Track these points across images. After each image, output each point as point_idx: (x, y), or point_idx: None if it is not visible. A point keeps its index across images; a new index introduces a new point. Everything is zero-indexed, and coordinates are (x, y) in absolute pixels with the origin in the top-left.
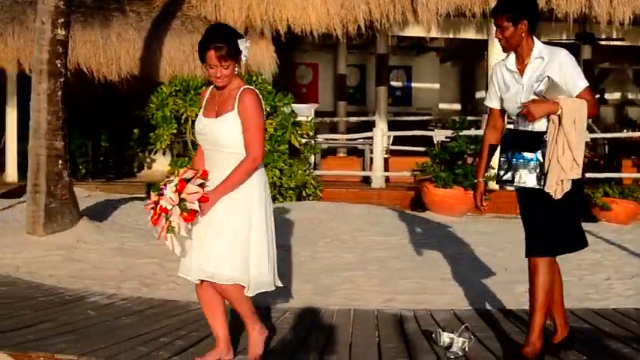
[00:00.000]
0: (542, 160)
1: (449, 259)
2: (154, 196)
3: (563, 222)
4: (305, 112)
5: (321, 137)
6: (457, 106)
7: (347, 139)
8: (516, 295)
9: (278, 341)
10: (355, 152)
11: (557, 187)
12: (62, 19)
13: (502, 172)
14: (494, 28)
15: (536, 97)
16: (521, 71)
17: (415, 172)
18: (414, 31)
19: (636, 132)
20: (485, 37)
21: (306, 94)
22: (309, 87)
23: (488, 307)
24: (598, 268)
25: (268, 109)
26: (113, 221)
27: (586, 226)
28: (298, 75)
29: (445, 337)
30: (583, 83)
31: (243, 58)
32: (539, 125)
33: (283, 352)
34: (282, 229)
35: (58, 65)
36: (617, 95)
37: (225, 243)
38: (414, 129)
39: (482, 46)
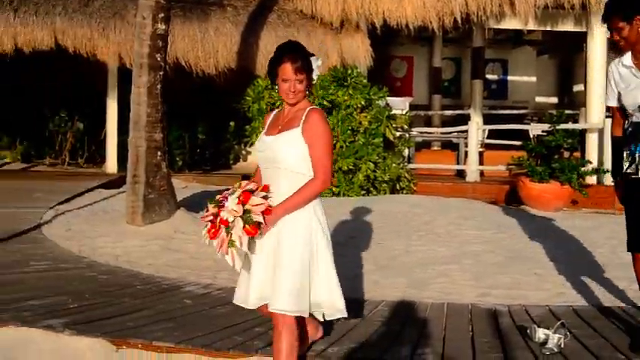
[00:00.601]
0: None
1: (545, 255)
2: (212, 208)
3: None
4: (399, 105)
5: (415, 130)
6: (554, 100)
7: (441, 133)
8: (614, 292)
9: (371, 334)
10: (449, 146)
11: None
12: (162, 14)
13: (626, 165)
14: (594, 20)
15: None
16: (639, 66)
17: (511, 166)
18: (510, 23)
19: None
20: (584, 30)
21: (400, 88)
22: (403, 80)
23: (584, 303)
24: None
25: (363, 103)
26: None
27: None
28: (393, 68)
29: (540, 333)
30: None
31: (315, 77)
32: None
33: (377, 344)
34: (376, 222)
35: (158, 59)
36: None
37: (295, 278)
38: (510, 122)
39: (580, 39)
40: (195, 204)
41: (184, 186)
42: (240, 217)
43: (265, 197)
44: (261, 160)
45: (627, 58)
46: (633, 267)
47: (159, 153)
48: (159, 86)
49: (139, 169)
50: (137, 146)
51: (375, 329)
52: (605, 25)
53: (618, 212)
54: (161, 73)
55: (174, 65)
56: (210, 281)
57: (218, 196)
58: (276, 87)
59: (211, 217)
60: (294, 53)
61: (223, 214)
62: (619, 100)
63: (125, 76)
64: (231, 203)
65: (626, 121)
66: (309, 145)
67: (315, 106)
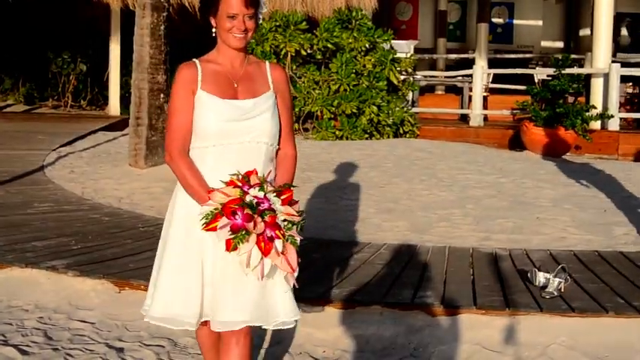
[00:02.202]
0: None
1: (546, 199)
2: (240, 216)
3: None
4: (404, 48)
5: (419, 74)
6: (560, 44)
7: (446, 77)
8: (614, 237)
9: (372, 276)
10: (454, 90)
11: None
12: None
13: None
14: None
15: None
16: None
17: (515, 111)
18: None
19: None
20: None
21: (405, 31)
22: (408, 23)
23: (585, 248)
24: None
25: (367, 46)
26: None
27: None
28: (398, 11)
29: (541, 277)
30: None
31: (260, 17)
32: None
33: (378, 287)
34: (380, 165)
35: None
36: None
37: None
38: (515, 67)
39: None
40: None
41: None
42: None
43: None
44: (224, 133)
45: None
46: None
47: (162, 95)
48: (162, 27)
49: (141, 111)
50: (140, 88)
51: (377, 272)
52: None
53: (621, 158)
54: (164, 14)
55: (177, 6)
56: None
57: (229, 194)
58: (213, 29)
59: (242, 223)
60: None
61: (266, 217)
62: None
63: (128, 17)
64: (278, 205)
65: None
66: (280, 109)
67: (269, 60)
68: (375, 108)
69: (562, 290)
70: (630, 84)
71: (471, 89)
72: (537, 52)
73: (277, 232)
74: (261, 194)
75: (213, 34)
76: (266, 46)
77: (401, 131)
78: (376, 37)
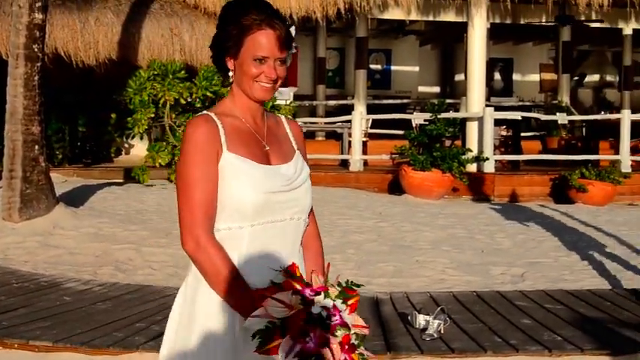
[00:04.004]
0: None
1: (426, 242)
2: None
3: None
4: (284, 95)
5: (300, 121)
6: (436, 89)
7: (325, 123)
8: (491, 277)
9: None
10: (334, 136)
11: None
12: (39, 3)
13: None
14: (474, 10)
15: None
16: None
17: (393, 155)
18: (393, 13)
19: (614, 114)
20: (465, 20)
21: (285, 78)
22: (288, 70)
23: (464, 289)
24: (574, 250)
25: None
26: (90, 207)
27: (562, 207)
28: None
29: (421, 320)
30: None
31: (289, 62)
32: None
33: None
34: None
35: (35, 50)
36: (595, 77)
37: None
38: (393, 112)
39: (461, 29)
40: (75, 198)
41: (64, 180)
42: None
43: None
44: (266, 209)
45: None
46: None
47: (37, 147)
48: (36, 78)
49: (15, 163)
50: (13, 140)
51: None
52: None
53: (497, 199)
54: (39, 64)
55: (53, 56)
56: (90, 277)
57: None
58: (230, 73)
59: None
60: (277, 16)
61: (341, 333)
62: None
63: (1, 67)
64: (347, 316)
65: None
66: None
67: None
68: None
69: (442, 332)
70: (504, 127)
71: (350, 135)
72: (415, 98)
73: (353, 355)
74: (329, 302)
75: (231, 80)
76: (144, 95)
77: None
78: None
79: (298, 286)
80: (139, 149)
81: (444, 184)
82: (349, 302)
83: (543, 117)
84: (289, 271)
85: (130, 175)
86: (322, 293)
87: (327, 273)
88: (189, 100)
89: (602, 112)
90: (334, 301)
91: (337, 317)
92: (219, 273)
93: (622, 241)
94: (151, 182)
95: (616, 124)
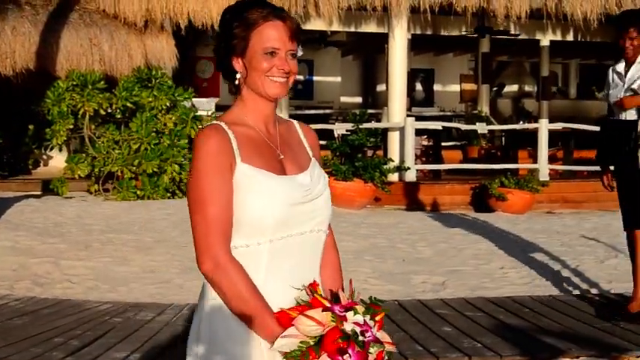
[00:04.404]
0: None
1: (348, 252)
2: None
3: None
4: (206, 106)
5: None
6: (358, 99)
7: None
8: (413, 286)
9: (175, 337)
10: None
11: None
12: None
13: (603, 154)
14: (395, 21)
15: (631, 93)
16: (626, 72)
17: None
18: (315, 24)
19: (532, 123)
20: (386, 31)
21: (207, 88)
22: (210, 81)
23: (386, 297)
24: (493, 257)
25: (168, 104)
26: (6, 220)
27: (483, 216)
28: (199, 69)
29: None
30: None
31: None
32: (630, 115)
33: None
34: (182, 224)
35: None
36: (514, 87)
37: None
38: (316, 122)
39: (382, 40)
40: None
41: None
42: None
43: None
44: (287, 222)
45: (620, 65)
46: (631, 245)
47: None
48: None
49: None
50: None
51: (179, 333)
52: (619, 30)
53: (418, 208)
54: None
55: None
56: (7, 292)
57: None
58: (238, 75)
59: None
60: (282, 9)
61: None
62: (607, 97)
63: None
64: (376, 331)
65: (605, 118)
66: None
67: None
68: (176, 167)
69: None
70: (425, 137)
71: None
72: (337, 108)
73: None
74: (360, 319)
75: (237, 82)
76: (63, 106)
77: None
78: (177, 95)
79: (327, 304)
80: (57, 161)
81: (366, 194)
82: (376, 318)
83: (463, 127)
84: (313, 289)
85: (48, 188)
86: (352, 309)
87: (351, 289)
88: (109, 110)
89: (521, 122)
90: (364, 317)
91: (370, 334)
92: (240, 295)
93: (540, 248)
94: (70, 194)
95: (534, 134)
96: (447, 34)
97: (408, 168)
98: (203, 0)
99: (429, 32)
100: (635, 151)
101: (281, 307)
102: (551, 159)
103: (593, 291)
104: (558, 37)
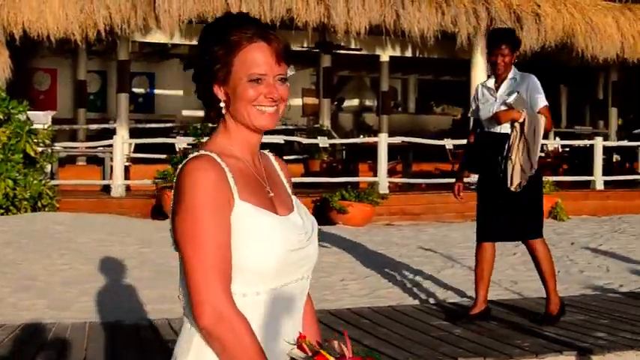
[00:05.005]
0: (506, 156)
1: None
2: None
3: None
4: (42, 119)
5: (59, 145)
6: (200, 113)
7: (87, 147)
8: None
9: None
10: (96, 161)
11: (519, 182)
12: None
13: (473, 165)
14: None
15: (505, 107)
16: (497, 88)
17: (157, 180)
18: (156, 37)
19: (372, 137)
20: None
21: (43, 101)
22: (47, 93)
23: None
24: (334, 270)
25: (1, 117)
26: None
27: (324, 229)
28: (35, 81)
29: None
30: (543, 103)
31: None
32: (504, 129)
33: None
34: (15, 242)
35: None
36: (355, 102)
37: None
38: (157, 136)
39: None
40: None
41: None
42: None
43: None
44: (288, 269)
45: (490, 82)
46: (476, 255)
47: None
48: None
49: None
50: None
51: (10, 355)
52: (492, 47)
53: None
54: None
55: None
56: None
57: None
58: (222, 104)
59: None
60: (269, 28)
61: None
62: (476, 112)
63: None
64: None
65: (479, 131)
66: None
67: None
68: (10, 182)
69: None
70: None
71: (112, 159)
72: (179, 122)
73: None
74: None
75: (222, 111)
76: None
77: (39, 205)
78: (11, 108)
79: (329, 357)
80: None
81: None
82: None
83: (305, 140)
84: (310, 344)
85: None
86: None
87: (348, 342)
88: None
89: (362, 136)
90: None
91: None
92: (246, 351)
93: (380, 260)
94: None
95: (374, 147)
96: None
97: None
98: (39, 10)
99: None
100: (505, 163)
101: None
102: (391, 172)
103: (431, 300)
104: (397, 53)
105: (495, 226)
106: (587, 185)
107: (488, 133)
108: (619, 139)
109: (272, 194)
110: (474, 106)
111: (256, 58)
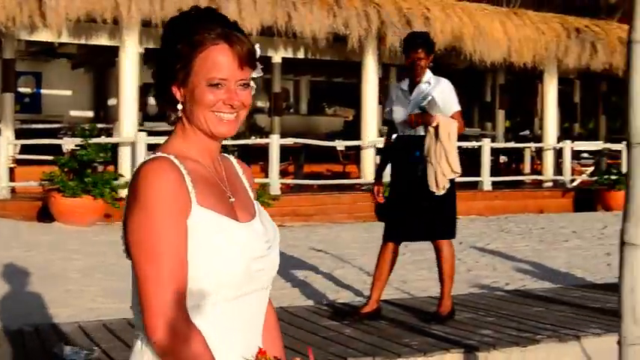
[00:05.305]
0: (423, 159)
1: (77, 271)
2: None
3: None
4: None
5: None
6: (90, 114)
7: None
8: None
9: None
10: None
11: (440, 186)
12: None
13: (384, 167)
14: (126, 35)
15: (419, 111)
16: (411, 91)
17: (44, 182)
18: (42, 35)
19: (264, 139)
20: (117, 44)
21: None
22: None
23: (114, 317)
24: None
25: None
26: None
27: None
28: None
29: (67, 351)
30: (457, 107)
31: (254, 87)
32: (419, 132)
33: None
34: None
35: None
36: None
37: None
38: (44, 137)
39: (114, 53)
40: None
41: None
42: None
43: None
44: (248, 278)
45: (405, 84)
46: (378, 255)
47: None
48: None
49: None
50: None
51: None
52: (408, 50)
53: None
54: None
55: None
56: None
57: None
58: (179, 106)
59: None
60: (236, 29)
61: None
62: (390, 114)
63: None
64: None
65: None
66: None
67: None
68: None
69: None
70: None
71: None
72: (67, 122)
73: None
74: None
75: (179, 114)
76: None
77: None
78: None
79: None
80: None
81: (96, 211)
82: None
83: None
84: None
85: None
86: None
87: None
88: None
89: (253, 137)
90: None
91: None
92: None
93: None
94: None
95: (266, 149)
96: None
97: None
98: None
99: None
100: (424, 166)
101: None
102: (283, 173)
103: (323, 301)
104: (289, 55)
105: (403, 226)
106: (476, 186)
107: (404, 136)
108: (506, 140)
109: (233, 200)
110: (388, 108)
111: (218, 61)
